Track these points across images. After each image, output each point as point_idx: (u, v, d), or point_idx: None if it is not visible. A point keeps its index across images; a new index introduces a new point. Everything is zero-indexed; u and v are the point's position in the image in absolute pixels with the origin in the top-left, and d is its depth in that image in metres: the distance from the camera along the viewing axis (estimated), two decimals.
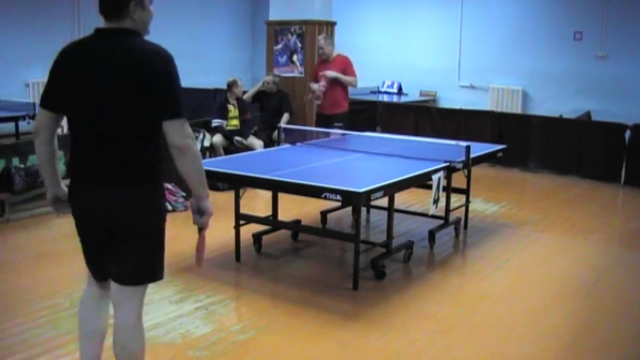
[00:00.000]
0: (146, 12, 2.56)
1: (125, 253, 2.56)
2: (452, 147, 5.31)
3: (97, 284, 2.75)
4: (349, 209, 5.50)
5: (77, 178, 2.58)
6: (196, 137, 7.01)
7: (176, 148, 2.48)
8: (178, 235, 5.57)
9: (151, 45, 2.51)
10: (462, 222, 5.77)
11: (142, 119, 2.47)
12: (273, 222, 5.11)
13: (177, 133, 2.47)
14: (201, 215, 2.65)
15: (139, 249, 2.57)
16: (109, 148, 2.49)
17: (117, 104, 2.44)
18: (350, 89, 7.33)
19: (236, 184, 4.85)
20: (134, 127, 2.48)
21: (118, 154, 2.49)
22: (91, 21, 11.93)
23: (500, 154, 6.03)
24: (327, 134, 6.60)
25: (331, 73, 7.07)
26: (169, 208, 5.98)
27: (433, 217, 5.26)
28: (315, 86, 7.29)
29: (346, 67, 7.17)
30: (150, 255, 2.62)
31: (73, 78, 2.48)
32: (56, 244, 5.19)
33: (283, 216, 5.29)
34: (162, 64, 2.46)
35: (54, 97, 2.55)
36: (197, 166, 2.56)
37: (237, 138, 7.55)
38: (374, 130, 9.62)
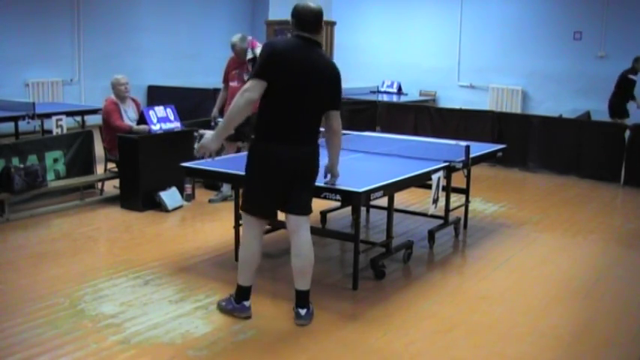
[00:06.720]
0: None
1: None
2: (451, 147, 5.31)
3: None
4: (349, 209, 5.50)
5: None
6: (196, 137, 7.01)
7: (332, 129, 3.69)
8: (178, 235, 5.58)
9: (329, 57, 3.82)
10: (462, 222, 5.77)
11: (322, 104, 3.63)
12: (272, 222, 5.09)
13: (337, 119, 3.69)
14: (332, 175, 3.91)
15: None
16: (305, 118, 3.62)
17: (315, 92, 3.57)
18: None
19: (236, 184, 4.84)
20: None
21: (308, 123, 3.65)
22: (91, 21, 11.90)
23: (499, 154, 6.03)
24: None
25: None
26: (169, 208, 6.00)
27: (433, 216, 5.26)
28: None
29: None
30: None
31: (288, 67, 3.50)
32: (56, 243, 5.19)
33: (283, 216, 5.27)
34: (338, 73, 3.67)
35: (270, 74, 3.49)
36: (340, 145, 3.81)
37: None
38: (374, 130, 9.61)
